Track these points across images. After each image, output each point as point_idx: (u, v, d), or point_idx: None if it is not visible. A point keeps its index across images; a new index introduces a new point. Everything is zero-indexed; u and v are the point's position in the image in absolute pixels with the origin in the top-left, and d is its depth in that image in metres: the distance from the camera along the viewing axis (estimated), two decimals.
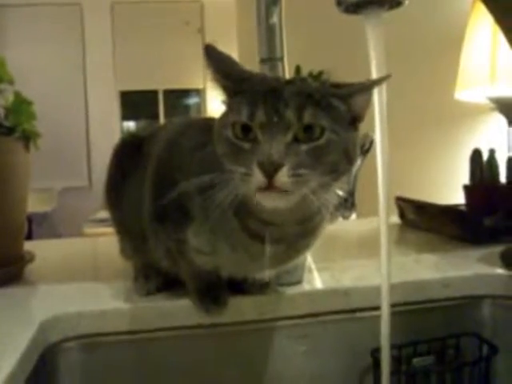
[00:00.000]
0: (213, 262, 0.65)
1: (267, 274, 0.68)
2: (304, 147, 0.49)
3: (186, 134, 0.69)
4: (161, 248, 0.70)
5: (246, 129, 0.50)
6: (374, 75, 0.54)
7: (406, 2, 0.55)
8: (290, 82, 0.53)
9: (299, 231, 0.60)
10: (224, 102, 0.55)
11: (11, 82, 0.85)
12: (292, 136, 0.49)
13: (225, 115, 0.54)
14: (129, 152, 0.79)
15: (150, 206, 0.69)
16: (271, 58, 0.75)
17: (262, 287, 0.71)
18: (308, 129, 0.49)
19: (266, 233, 0.58)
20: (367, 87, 0.51)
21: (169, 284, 0.73)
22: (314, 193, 0.50)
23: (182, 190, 0.60)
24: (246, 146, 0.50)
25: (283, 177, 0.47)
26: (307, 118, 0.49)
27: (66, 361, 0.68)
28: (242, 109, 0.50)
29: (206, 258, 0.65)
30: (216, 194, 0.53)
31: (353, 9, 0.55)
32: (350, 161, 0.52)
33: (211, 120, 0.63)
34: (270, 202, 0.50)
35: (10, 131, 0.83)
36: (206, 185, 0.54)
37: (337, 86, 0.52)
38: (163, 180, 0.67)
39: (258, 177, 0.48)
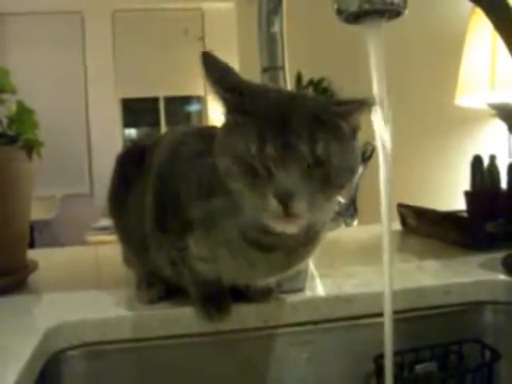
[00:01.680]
0: (215, 270, 0.65)
1: (269, 281, 0.69)
2: (316, 175, 0.50)
3: (187, 144, 0.69)
4: (163, 256, 0.70)
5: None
6: (375, 84, 0.55)
7: (406, 12, 0.55)
8: (294, 102, 0.52)
9: (300, 240, 0.60)
10: (224, 115, 0.55)
11: (14, 92, 0.86)
12: (304, 168, 0.50)
13: (227, 132, 0.54)
14: (131, 161, 0.79)
15: (152, 215, 0.69)
16: (272, 67, 0.76)
17: (265, 294, 0.72)
18: (319, 158, 0.50)
19: (266, 242, 0.58)
20: (367, 106, 0.52)
21: (171, 292, 0.73)
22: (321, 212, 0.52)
23: (185, 207, 0.62)
24: (257, 180, 0.51)
25: (299, 206, 0.49)
26: (320, 150, 0.50)
27: (71, 369, 0.68)
28: (249, 140, 0.50)
29: (208, 265, 0.65)
30: (224, 223, 0.57)
31: (353, 19, 0.55)
32: (354, 172, 0.53)
33: (213, 129, 0.63)
34: (283, 228, 0.52)
35: (13, 140, 0.84)
36: (210, 208, 0.57)
37: (338, 103, 0.52)
38: (164, 190, 0.67)
39: (274, 207, 0.49)
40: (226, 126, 0.55)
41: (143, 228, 0.71)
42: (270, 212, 0.50)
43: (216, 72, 0.55)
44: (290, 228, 0.52)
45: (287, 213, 0.49)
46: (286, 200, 0.48)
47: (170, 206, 0.66)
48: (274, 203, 0.49)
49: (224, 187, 0.54)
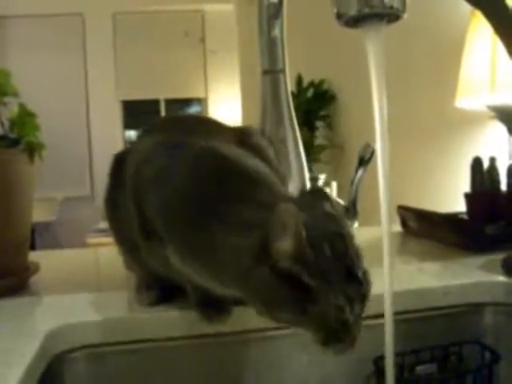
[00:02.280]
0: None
1: None
2: None
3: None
4: (154, 260, 0.70)
5: None
6: (374, 88, 0.55)
7: (405, 16, 0.55)
8: None
9: None
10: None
11: (16, 95, 0.86)
12: None
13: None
14: (124, 163, 0.79)
15: (135, 221, 0.69)
16: (273, 70, 0.76)
17: None
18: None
19: None
20: None
21: (171, 294, 0.73)
22: None
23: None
24: None
25: None
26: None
27: (72, 371, 0.68)
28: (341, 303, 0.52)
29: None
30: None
31: (352, 23, 0.56)
32: None
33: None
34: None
35: (14, 143, 0.84)
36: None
37: None
38: (137, 199, 0.68)
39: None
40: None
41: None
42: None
43: None
44: None
45: None
46: None
47: (146, 213, 0.66)
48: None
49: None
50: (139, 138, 0.81)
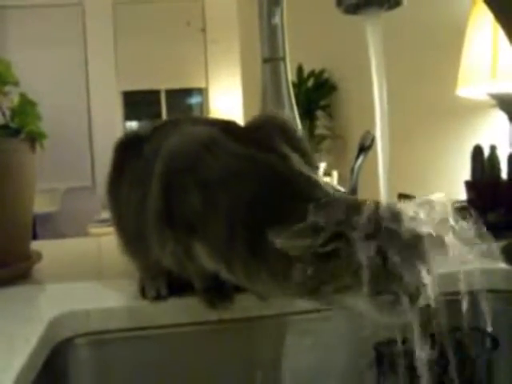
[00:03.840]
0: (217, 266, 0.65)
1: None
2: None
3: (214, 136, 0.67)
4: (166, 249, 0.69)
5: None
6: (374, 74, 0.55)
7: (405, 2, 0.55)
8: None
9: None
10: None
11: (16, 84, 0.86)
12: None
13: None
14: (129, 150, 0.78)
15: (158, 206, 0.67)
16: (273, 58, 0.77)
17: None
18: None
19: None
20: None
21: (175, 284, 0.73)
22: None
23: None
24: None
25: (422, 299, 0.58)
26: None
27: (76, 357, 0.69)
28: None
29: (214, 262, 0.64)
30: None
31: (352, 9, 0.56)
32: None
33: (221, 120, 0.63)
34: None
35: (16, 132, 0.85)
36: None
37: None
38: (176, 183, 0.66)
39: (405, 305, 0.55)
40: None
41: (144, 219, 0.71)
42: (397, 309, 0.54)
43: None
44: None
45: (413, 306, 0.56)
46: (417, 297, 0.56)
47: (178, 202, 0.65)
48: (405, 301, 0.54)
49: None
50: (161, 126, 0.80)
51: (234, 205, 0.60)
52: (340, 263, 0.52)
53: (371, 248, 0.51)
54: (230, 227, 0.59)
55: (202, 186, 0.62)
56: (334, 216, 0.51)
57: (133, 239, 0.77)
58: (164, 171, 0.67)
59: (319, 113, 3.90)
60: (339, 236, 0.51)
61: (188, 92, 6.89)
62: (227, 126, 0.72)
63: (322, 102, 3.89)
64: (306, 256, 0.52)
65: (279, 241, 0.51)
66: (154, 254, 0.71)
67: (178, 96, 6.84)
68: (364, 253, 0.50)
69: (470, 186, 1.18)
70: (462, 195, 1.20)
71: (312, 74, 3.82)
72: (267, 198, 0.58)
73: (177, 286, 0.72)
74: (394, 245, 0.53)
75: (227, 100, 6.26)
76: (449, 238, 0.57)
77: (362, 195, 0.94)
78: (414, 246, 0.55)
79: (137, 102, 6.75)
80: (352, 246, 0.51)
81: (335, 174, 2.36)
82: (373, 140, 0.85)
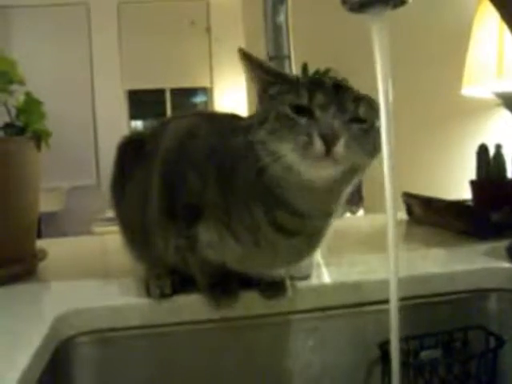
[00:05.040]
0: (224, 255, 0.66)
1: (284, 270, 0.70)
2: (356, 129, 0.55)
3: (199, 127, 0.70)
4: (170, 244, 0.70)
5: (301, 110, 0.55)
6: (379, 74, 0.55)
7: (410, 1, 0.55)
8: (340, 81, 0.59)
9: (321, 225, 0.63)
10: (260, 92, 0.61)
11: (22, 83, 0.86)
12: (347, 119, 0.55)
13: (267, 101, 0.60)
14: (132, 150, 0.80)
15: (160, 202, 0.69)
16: (278, 57, 0.76)
17: (277, 289, 0.72)
18: (357, 117, 0.56)
19: (291, 225, 0.61)
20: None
21: (180, 283, 0.73)
22: (351, 171, 0.57)
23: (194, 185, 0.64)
24: (303, 122, 0.55)
25: (340, 147, 0.53)
26: (361, 110, 0.56)
27: (80, 355, 0.69)
28: (301, 92, 0.56)
29: (217, 251, 0.66)
30: (251, 208, 0.61)
31: (357, 8, 0.56)
32: (377, 148, 0.57)
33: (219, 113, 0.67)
34: (322, 171, 0.55)
35: (21, 131, 0.85)
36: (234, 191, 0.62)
37: None
38: (174, 176, 0.68)
39: (318, 146, 0.52)
40: (265, 101, 0.60)
41: (145, 217, 0.72)
42: (312, 151, 0.53)
43: (254, 59, 0.61)
44: (328, 171, 0.55)
45: (329, 153, 0.52)
46: (330, 139, 0.52)
47: (180, 193, 0.67)
48: (318, 142, 0.52)
49: (248, 166, 0.59)
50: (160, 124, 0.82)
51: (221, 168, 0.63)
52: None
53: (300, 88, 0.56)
54: (225, 193, 0.63)
55: (194, 165, 0.66)
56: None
57: (137, 237, 0.77)
58: (162, 167, 0.70)
59: None
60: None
61: (193, 91, 6.88)
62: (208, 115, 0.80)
63: None
64: None
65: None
66: (158, 250, 0.72)
67: (183, 95, 6.84)
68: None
69: (475, 184, 1.18)
70: (467, 194, 1.20)
71: (317, 72, 3.82)
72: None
73: (181, 285, 0.73)
74: (320, 89, 0.56)
75: (232, 99, 6.25)
76: None
77: (366, 194, 0.94)
78: (337, 95, 0.56)
79: (142, 101, 6.74)
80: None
81: None
82: None
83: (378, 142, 0.57)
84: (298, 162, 0.54)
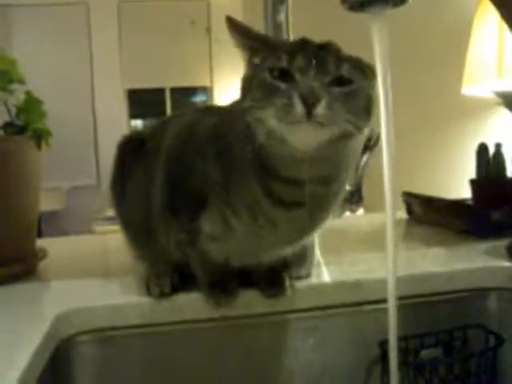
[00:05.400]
0: (225, 248, 0.67)
1: (282, 251, 0.69)
2: (337, 90, 0.54)
3: (197, 122, 0.70)
4: (172, 240, 0.71)
5: (283, 74, 0.55)
6: (379, 73, 0.55)
7: (410, 0, 0.55)
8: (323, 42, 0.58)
9: (320, 193, 0.61)
10: (247, 60, 0.61)
11: (22, 82, 0.86)
12: (329, 80, 0.54)
13: (251, 69, 0.59)
14: (132, 149, 0.80)
15: (162, 198, 0.70)
16: None
17: (277, 288, 0.72)
18: (341, 78, 0.54)
19: (288, 196, 0.60)
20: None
21: (182, 283, 0.74)
22: (340, 137, 0.54)
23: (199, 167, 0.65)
24: (284, 86, 0.54)
25: (321, 109, 0.51)
26: (344, 70, 0.55)
27: (80, 354, 0.69)
28: (280, 55, 0.55)
29: (219, 244, 0.66)
30: (246, 179, 0.60)
31: (357, 7, 0.56)
32: (369, 113, 0.56)
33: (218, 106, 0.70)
34: (305, 136, 0.54)
35: (21, 130, 0.85)
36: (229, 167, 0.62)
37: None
38: (176, 171, 0.68)
39: (298, 108, 0.51)
40: (248, 68, 0.60)
41: (147, 214, 0.72)
42: (293, 114, 0.51)
43: (241, 26, 0.62)
44: (312, 135, 0.53)
45: (310, 116, 0.51)
46: (309, 101, 0.51)
47: (182, 186, 0.67)
48: (298, 104, 0.51)
49: (242, 143, 0.58)
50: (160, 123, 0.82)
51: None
52: None
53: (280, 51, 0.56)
54: (225, 170, 0.62)
55: (196, 155, 0.66)
56: None
57: (139, 235, 0.78)
58: (164, 164, 0.70)
59: None
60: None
61: (193, 90, 6.88)
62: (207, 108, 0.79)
63: None
64: None
65: None
66: (160, 247, 0.73)
67: (183, 94, 6.84)
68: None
69: (474, 184, 1.18)
70: (467, 193, 1.20)
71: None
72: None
73: (182, 283, 0.73)
74: (301, 51, 0.55)
75: (232, 98, 6.25)
76: None
77: (366, 194, 0.94)
78: (319, 56, 0.55)
79: (142, 100, 6.74)
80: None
81: None
82: (378, 138, 0.85)
83: (370, 106, 0.56)
84: (280, 127, 0.53)
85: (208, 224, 0.65)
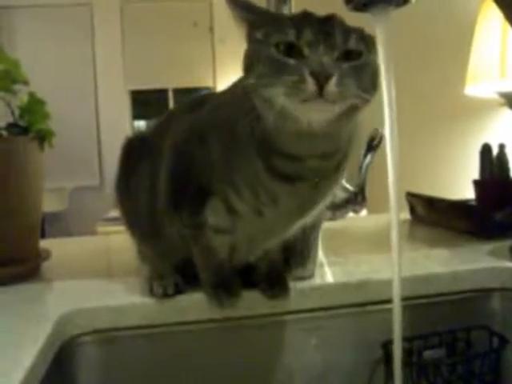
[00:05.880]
0: (230, 240, 0.67)
1: (285, 233, 0.69)
2: (346, 65, 0.53)
3: (199, 116, 0.70)
4: (177, 236, 0.71)
5: (290, 49, 0.53)
6: (382, 73, 0.55)
7: (413, 0, 0.55)
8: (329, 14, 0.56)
9: (323, 168, 0.60)
10: (248, 35, 0.59)
11: (26, 83, 0.86)
12: (338, 55, 0.53)
13: (254, 45, 0.57)
14: (136, 149, 0.80)
15: (166, 194, 0.69)
16: None
17: (278, 289, 0.72)
18: (349, 52, 0.53)
19: (290, 170, 0.59)
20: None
21: (185, 283, 0.74)
22: (348, 111, 0.54)
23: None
24: (292, 62, 0.52)
25: (333, 86, 0.50)
26: (352, 43, 0.54)
27: (83, 354, 0.69)
28: (286, 30, 0.53)
29: (223, 237, 0.67)
30: (248, 156, 0.60)
31: (361, 7, 0.56)
32: (375, 86, 0.56)
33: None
34: (317, 113, 0.53)
35: (24, 131, 0.85)
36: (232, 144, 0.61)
37: None
38: (180, 164, 0.68)
39: (310, 85, 0.50)
40: (251, 43, 0.58)
41: (151, 213, 0.72)
42: (304, 92, 0.51)
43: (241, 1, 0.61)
44: (323, 112, 0.53)
45: (321, 93, 0.50)
46: (321, 78, 0.50)
47: (186, 178, 0.67)
48: (310, 81, 0.50)
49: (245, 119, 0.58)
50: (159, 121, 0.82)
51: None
52: None
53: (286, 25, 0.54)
54: (227, 149, 0.62)
55: (199, 143, 0.65)
56: None
57: (144, 235, 0.78)
58: (169, 161, 0.70)
59: None
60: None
61: (196, 91, 6.88)
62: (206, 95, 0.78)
63: None
64: None
65: None
66: (165, 245, 0.73)
67: (186, 95, 6.84)
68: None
69: (478, 184, 1.18)
70: (471, 194, 1.20)
71: None
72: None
73: (185, 284, 0.73)
74: (308, 24, 0.54)
75: None
76: None
77: (370, 194, 0.94)
78: (325, 29, 0.53)
79: (145, 101, 6.75)
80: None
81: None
82: (381, 138, 0.85)
83: (375, 78, 0.55)
84: (291, 105, 0.52)
85: (212, 215, 0.65)
